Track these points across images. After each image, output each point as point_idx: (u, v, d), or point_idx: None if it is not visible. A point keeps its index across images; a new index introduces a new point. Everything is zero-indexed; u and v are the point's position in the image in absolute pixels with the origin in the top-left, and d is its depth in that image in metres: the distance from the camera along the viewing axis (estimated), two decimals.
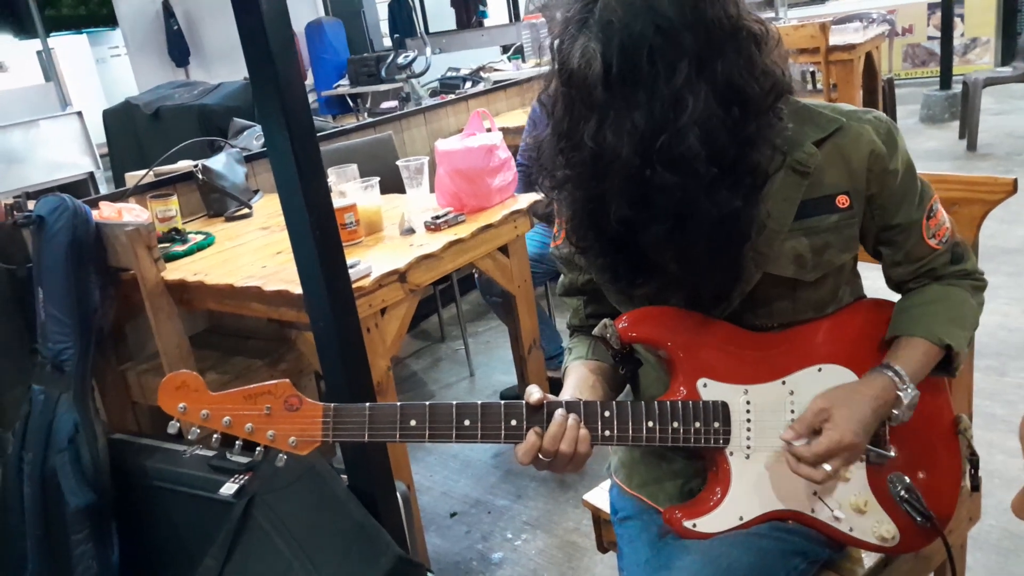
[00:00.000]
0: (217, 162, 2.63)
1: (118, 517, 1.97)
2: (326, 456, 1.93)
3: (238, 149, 2.87)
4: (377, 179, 2.21)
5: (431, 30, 8.04)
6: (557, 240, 1.18)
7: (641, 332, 1.06)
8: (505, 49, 6.39)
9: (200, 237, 2.31)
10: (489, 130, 2.32)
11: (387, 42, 7.93)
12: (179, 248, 2.24)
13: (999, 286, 3.11)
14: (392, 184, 2.63)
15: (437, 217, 2.10)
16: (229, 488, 1.76)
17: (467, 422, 0.99)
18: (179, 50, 7.87)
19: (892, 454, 1.08)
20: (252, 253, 2.15)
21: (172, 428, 0.95)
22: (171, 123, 4.06)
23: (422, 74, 5.35)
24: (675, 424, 1.03)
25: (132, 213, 2.18)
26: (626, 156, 0.88)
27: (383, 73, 5.62)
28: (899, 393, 1.03)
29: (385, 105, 4.78)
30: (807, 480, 1.00)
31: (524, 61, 5.10)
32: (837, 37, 4.60)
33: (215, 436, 0.96)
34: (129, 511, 1.97)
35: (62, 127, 4.79)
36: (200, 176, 2.58)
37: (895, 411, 1.03)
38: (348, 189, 2.11)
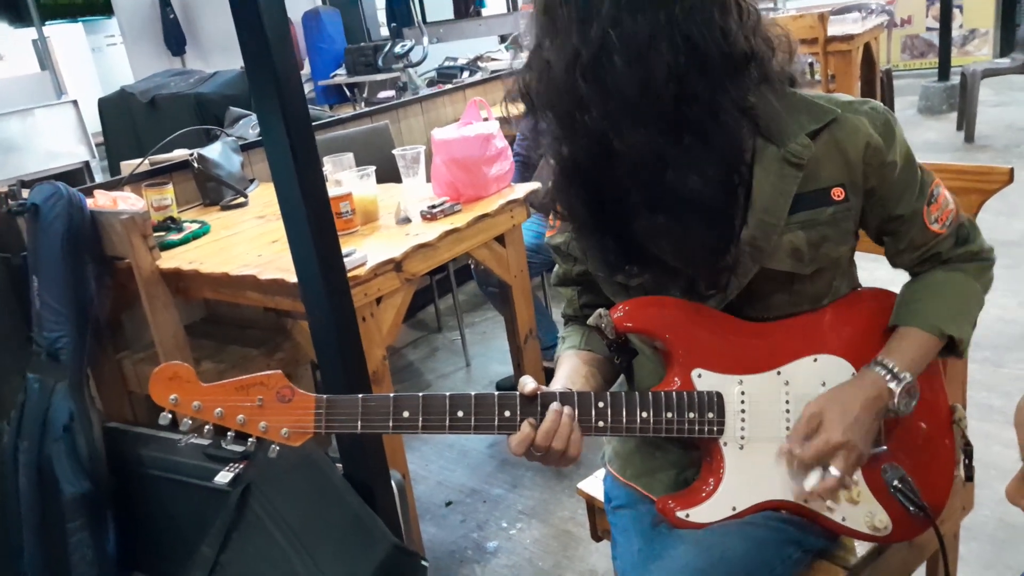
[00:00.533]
0: (213, 151, 2.63)
1: (114, 506, 1.97)
2: (322, 446, 1.93)
3: (234, 138, 2.86)
4: (373, 168, 2.20)
5: (429, 19, 8.00)
6: (552, 230, 1.18)
7: (636, 322, 1.06)
8: (503, 39, 6.37)
9: (196, 226, 2.31)
10: (486, 119, 2.31)
11: (384, 31, 7.90)
12: (175, 237, 2.23)
13: (997, 278, 3.07)
14: (389, 173, 2.62)
15: (433, 206, 2.09)
16: (224, 476, 1.76)
17: (460, 413, 0.98)
18: (175, 39, 7.82)
19: (884, 447, 1.08)
20: (248, 242, 2.15)
21: (164, 419, 0.95)
22: (167, 112, 4.04)
23: (419, 63, 5.33)
24: (669, 414, 1.03)
25: (127, 202, 2.17)
26: (559, 71, 0.92)
27: (380, 62, 5.59)
28: (889, 386, 1.03)
29: (382, 95, 4.76)
30: (828, 497, 1.02)
31: (521, 51, 5.08)
32: (835, 28, 4.60)
33: (207, 427, 0.95)
34: (125, 500, 1.97)
35: (57, 116, 4.76)
36: (196, 165, 2.57)
37: (892, 401, 1.04)
38: (344, 178, 2.10)
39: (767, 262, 1.03)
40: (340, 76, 6.15)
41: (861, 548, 1.16)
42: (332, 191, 1.95)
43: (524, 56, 1.00)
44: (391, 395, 0.98)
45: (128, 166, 2.60)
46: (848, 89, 4.39)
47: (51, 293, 1.99)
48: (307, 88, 6.11)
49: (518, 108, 1.06)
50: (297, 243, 1.39)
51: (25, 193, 2.11)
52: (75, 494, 1.89)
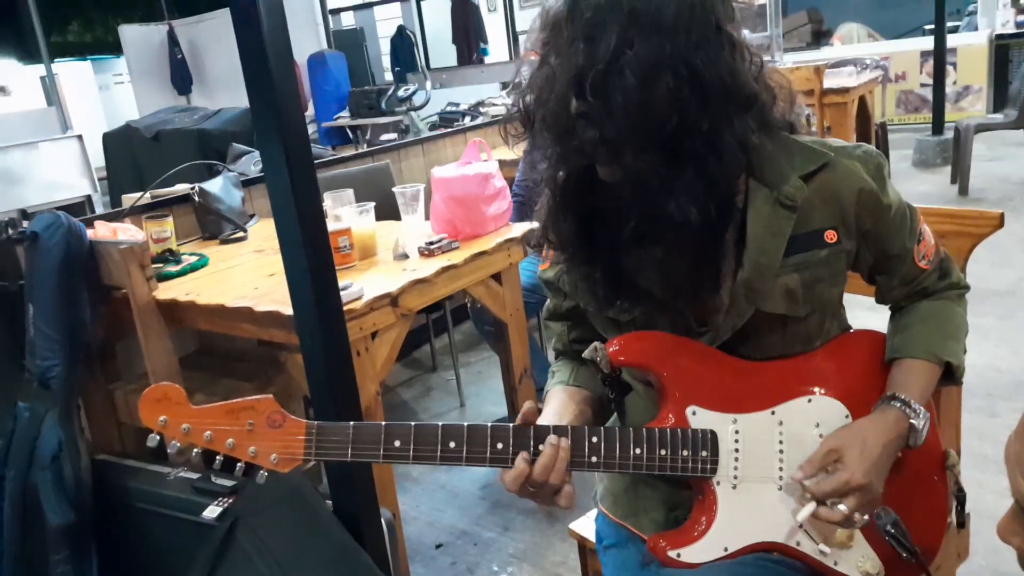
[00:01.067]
0: (214, 185, 2.65)
1: (99, 538, 1.94)
2: (312, 481, 1.91)
3: (236, 173, 2.89)
4: (372, 204, 2.22)
5: (432, 65, 8.15)
6: (544, 263, 1.18)
7: (631, 356, 1.06)
8: (504, 85, 6.47)
9: (194, 258, 2.32)
10: (486, 160, 2.34)
11: (388, 76, 8.04)
12: (172, 268, 2.24)
13: (989, 328, 3.12)
14: (388, 212, 2.64)
15: (431, 243, 2.11)
16: (213, 511, 1.73)
17: (452, 444, 0.98)
18: (182, 78, 7.95)
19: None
20: (245, 274, 2.15)
21: (152, 441, 0.94)
22: (170, 147, 4.09)
23: (422, 107, 5.41)
24: (663, 451, 1.02)
25: (127, 233, 2.18)
26: (561, 84, 0.92)
27: (383, 105, 5.67)
28: (912, 422, 1.03)
29: (384, 137, 4.82)
30: (826, 521, 1.00)
31: None
32: (831, 80, 4.69)
33: (195, 451, 0.95)
34: (110, 532, 1.94)
35: (62, 149, 4.82)
36: (196, 198, 2.59)
37: (911, 440, 1.04)
38: (343, 213, 2.12)
39: (763, 304, 1.03)
40: (343, 118, 6.23)
41: None
42: (331, 225, 1.96)
43: (525, 73, 1.00)
44: (382, 423, 0.97)
45: (130, 199, 2.62)
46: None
47: (46, 320, 1.99)
48: (311, 129, 6.19)
49: (516, 152, 1.07)
50: (293, 273, 1.40)
51: (25, 223, 2.13)
52: (60, 525, 1.87)
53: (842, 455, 1.00)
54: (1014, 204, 4.86)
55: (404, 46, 7.89)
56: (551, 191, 1.03)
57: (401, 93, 5.49)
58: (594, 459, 1.00)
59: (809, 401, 1.08)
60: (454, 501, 2.52)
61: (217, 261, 2.35)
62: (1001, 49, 7.37)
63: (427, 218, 2.36)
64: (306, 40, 7.24)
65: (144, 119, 4.86)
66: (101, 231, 2.17)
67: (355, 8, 9.35)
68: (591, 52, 0.90)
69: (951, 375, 1.11)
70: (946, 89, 6.36)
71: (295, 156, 1.31)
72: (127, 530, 1.93)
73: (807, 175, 1.03)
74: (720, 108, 0.91)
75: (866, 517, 1.02)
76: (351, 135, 6.22)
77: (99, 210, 4.43)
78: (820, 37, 9.47)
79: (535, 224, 1.10)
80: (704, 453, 1.03)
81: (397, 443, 0.97)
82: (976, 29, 7.80)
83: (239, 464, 0.97)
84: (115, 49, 9.97)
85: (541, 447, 0.99)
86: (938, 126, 6.08)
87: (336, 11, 8.53)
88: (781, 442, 1.06)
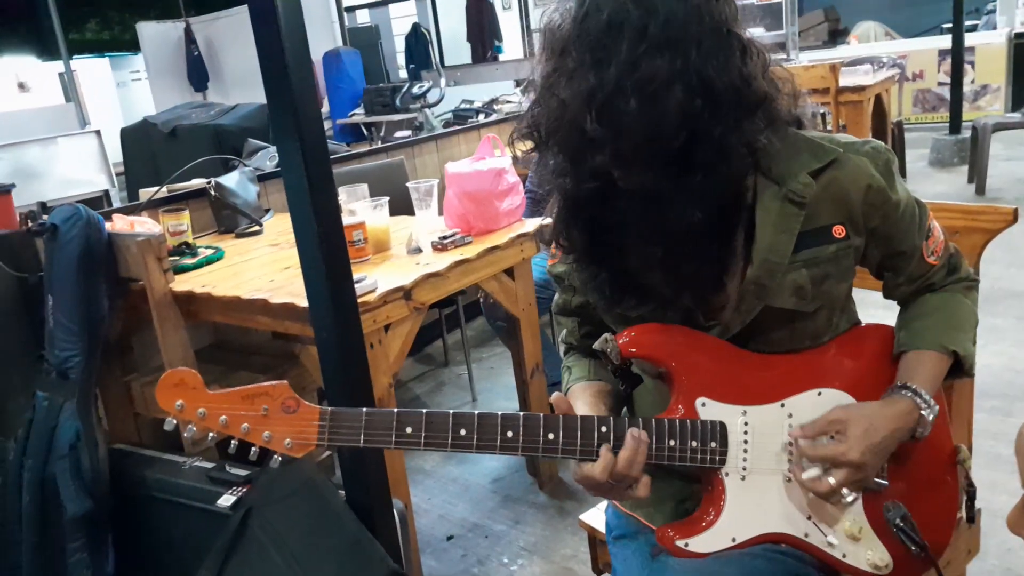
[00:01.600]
0: (230, 179, 2.67)
1: (115, 527, 1.97)
2: (326, 472, 1.93)
3: (252, 168, 2.91)
4: (386, 199, 2.24)
5: (447, 63, 8.17)
6: (554, 258, 1.19)
7: (642, 348, 1.06)
8: (518, 83, 6.48)
9: (210, 251, 2.34)
10: (499, 155, 2.35)
11: (403, 73, 8.07)
12: (189, 261, 2.26)
13: (1006, 329, 3.10)
14: (402, 207, 2.66)
15: (444, 237, 2.12)
16: (227, 500, 1.76)
17: (463, 431, 0.99)
18: (198, 75, 8.01)
19: (887, 483, 1.07)
20: (260, 267, 2.18)
21: (169, 425, 0.95)
22: (187, 142, 4.12)
23: (436, 104, 5.42)
24: (672, 442, 1.03)
25: (144, 226, 2.21)
26: (572, 110, 0.90)
27: (398, 103, 5.70)
28: (922, 413, 1.03)
29: (399, 134, 4.84)
30: (810, 491, 1.00)
31: None
32: (847, 79, 4.66)
33: (211, 435, 0.96)
34: (126, 521, 1.97)
35: (80, 145, 4.87)
36: (212, 193, 2.61)
37: (919, 430, 1.04)
38: (358, 208, 2.14)
39: (771, 300, 1.04)
40: (358, 115, 6.26)
41: None
42: (346, 220, 1.98)
43: (532, 94, 1.00)
44: (395, 410, 0.98)
45: (147, 193, 2.65)
46: None
47: (64, 312, 2.02)
48: (326, 126, 6.21)
49: (525, 145, 1.07)
50: (308, 266, 1.41)
51: (45, 216, 2.16)
52: (77, 514, 1.89)
53: (846, 428, 1.01)
54: None
55: (419, 44, 7.91)
56: (561, 199, 1.03)
57: (416, 90, 5.51)
58: (604, 449, 1.01)
59: (819, 394, 1.08)
60: (465, 494, 2.53)
61: (233, 254, 2.37)
62: (1020, 48, 7.29)
63: (440, 213, 2.38)
64: (321, 37, 7.28)
65: (161, 115, 4.90)
66: (119, 224, 2.20)
67: (370, 6, 9.40)
68: (601, 75, 0.88)
69: (960, 367, 1.11)
70: (964, 88, 6.31)
71: (312, 153, 1.32)
72: (143, 518, 1.95)
73: (816, 171, 1.03)
74: (731, 113, 0.91)
75: (852, 497, 1.03)
76: (366, 132, 6.25)
77: (116, 205, 4.48)
78: (837, 35, 9.41)
79: (549, 220, 1.10)
80: (713, 444, 1.04)
81: (409, 430, 0.98)
82: (995, 28, 7.74)
83: (253, 448, 0.98)
84: (132, 46, 10.06)
85: (551, 436, 0.99)
86: (955, 125, 6.03)
87: (351, 9, 8.57)
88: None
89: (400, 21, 8.98)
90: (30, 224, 2.18)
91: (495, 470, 2.64)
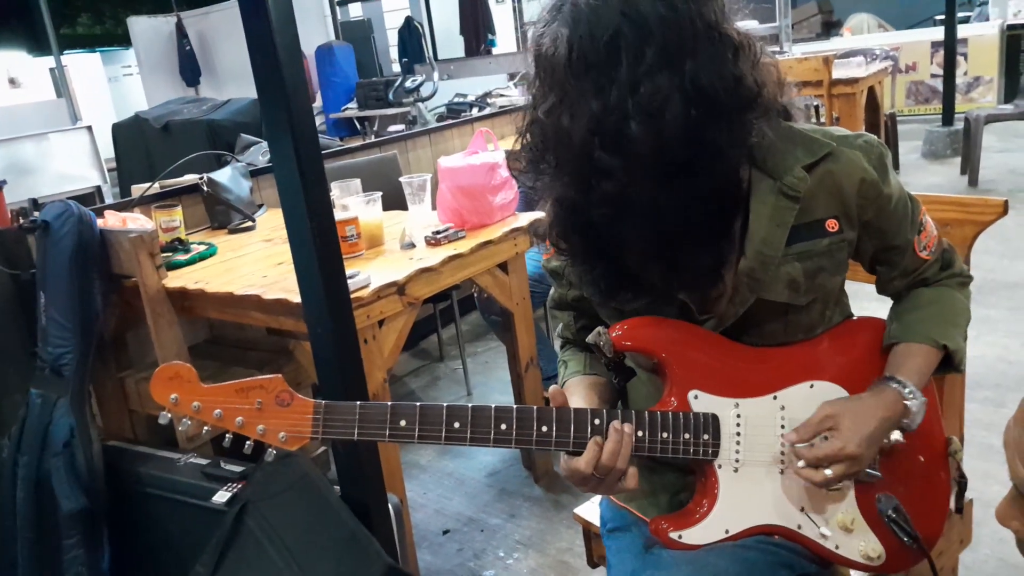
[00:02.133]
0: (223, 175, 2.66)
1: (110, 523, 1.97)
2: (321, 468, 1.93)
3: (244, 164, 2.90)
4: (379, 193, 2.24)
5: (440, 56, 8.14)
6: (548, 253, 1.19)
7: (635, 341, 1.07)
8: (512, 76, 6.47)
9: (203, 247, 2.33)
10: (492, 149, 2.34)
11: (396, 67, 8.04)
12: (182, 257, 2.26)
13: (999, 320, 3.11)
14: (395, 202, 2.65)
15: (438, 232, 2.12)
16: (222, 496, 1.76)
17: (456, 424, 0.99)
18: (190, 70, 7.97)
19: (880, 475, 1.08)
20: (253, 263, 2.17)
21: (163, 419, 0.96)
22: (180, 137, 4.11)
23: (429, 98, 5.41)
24: (665, 434, 1.03)
25: (137, 222, 2.20)
26: (578, 139, 0.90)
27: (391, 97, 5.68)
28: (907, 403, 1.04)
29: (392, 128, 4.83)
30: (807, 481, 1.01)
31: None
32: (840, 71, 4.67)
33: (205, 429, 0.96)
34: (121, 517, 1.97)
35: (72, 141, 4.84)
36: (205, 188, 2.61)
37: (905, 420, 1.04)
38: (351, 203, 2.14)
39: (764, 293, 1.04)
40: (351, 110, 6.24)
41: None
42: (338, 215, 1.98)
43: (530, 119, 0.98)
44: (388, 403, 0.99)
45: (139, 189, 2.64)
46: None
47: (57, 309, 2.01)
48: (318, 121, 6.20)
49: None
50: (301, 261, 1.41)
51: (36, 212, 2.15)
52: (72, 510, 1.89)
53: (838, 423, 1.01)
54: None
55: (412, 37, 7.87)
56: (557, 205, 1.02)
57: (409, 84, 5.50)
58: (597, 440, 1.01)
59: (811, 387, 1.09)
60: (461, 488, 2.54)
61: (226, 250, 2.36)
62: (1013, 39, 7.31)
63: (434, 208, 2.37)
64: (314, 31, 7.24)
65: (153, 110, 4.89)
66: (111, 220, 2.19)
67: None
68: (603, 102, 0.88)
69: (950, 362, 1.11)
70: (957, 80, 6.32)
71: (304, 148, 1.32)
72: (138, 515, 1.95)
73: (809, 165, 1.03)
74: (724, 115, 0.91)
75: (844, 486, 1.04)
76: (359, 126, 6.24)
77: (109, 200, 4.47)
78: (830, 28, 9.42)
79: (542, 214, 1.10)
80: (706, 436, 1.04)
81: (403, 423, 0.98)
82: (987, 19, 7.75)
83: (248, 442, 0.98)
84: (124, 41, 10.02)
85: (545, 428, 1.00)
86: (948, 117, 6.05)
87: (344, 2, 8.53)
88: (783, 427, 1.07)
89: (393, 15, 8.93)
90: (22, 221, 2.17)
91: (490, 464, 2.64)
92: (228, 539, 1.65)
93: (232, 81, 7.50)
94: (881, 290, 1.19)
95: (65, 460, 1.92)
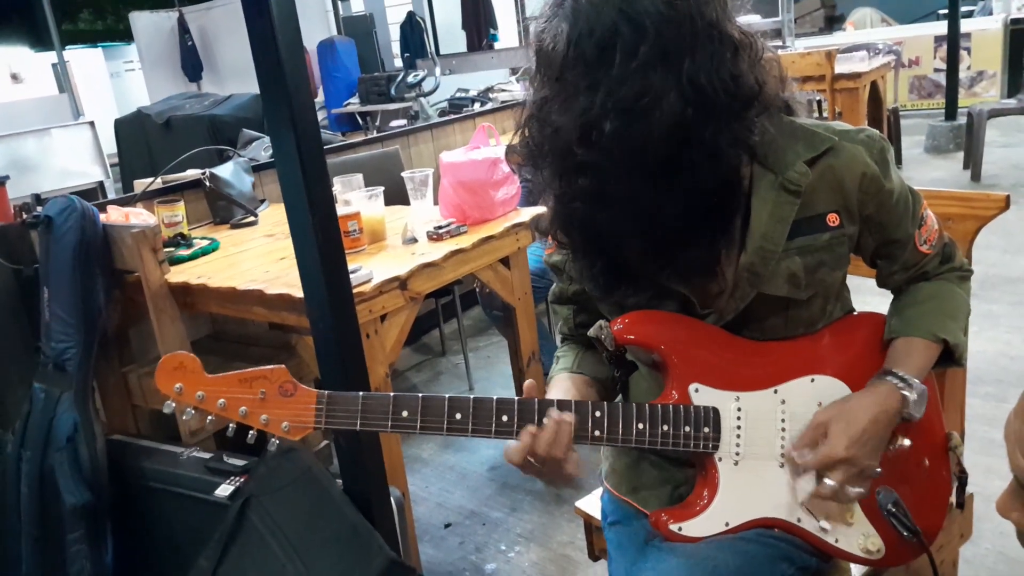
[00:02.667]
0: (225, 170, 2.67)
1: (113, 517, 1.97)
2: (323, 461, 1.94)
3: (246, 159, 2.91)
4: (381, 189, 2.24)
5: (442, 52, 8.13)
6: (551, 247, 1.20)
7: (636, 334, 1.07)
8: (514, 71, 6.46)
9: (205, 242, 2.34)
10: (494, 144, 2.34)
11: (398, 62, 8.03)
12: (184, 252, 2.26)
13: (1001, 315, 3.11)
14: (397, 197, 2.66)
15: (440, 227, 2.12)
16: (225, 490, 1.77)
17: (458, 415, 0.99)
18: (192, 65, 7.98)
19: (878, 469, 1.08)
20: (256, 258, 2.18)
21: (168, 408, 0.96)
22: (182, 133, 4.11)
23: (431, 93, 5.41)
24: (665, 427, 1.04)
25: (139, 217, 2.20)
26: (564, 134, 0.90)
27: (393, 92, 5.68)
28: (904, 394, 1.04)
29: (394, 123, 4.83)
30: (816, 496, 1.02)
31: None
32: (843, 66, 4.65)
33: (208, 419, 0.97)
34: (125, 511, 1.98)
35: (74, 136, 4.86)
36: (207, 183, 2.61)
37: (905, 411, 1.04)
38: (353, 198, 2.14)
39: (765, 287, 1.04)
40: (353, 105, 6.24)
41: (856, 571, 1.16)
42: (341, 210, 1.98)
43: (528, 110, 0.99)
44: (391, 394, 0.99)
45: (141, 184, 2.64)
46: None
47: (60, 304, 2.02)
48: (320, 116, 6.20)
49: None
50: (304, 256, 1.42)
51: (39, 208, 2.15)
52: (75, 505, 1.90)
53: (828, 429, 1.02)
54: None
55: (414, 32, 7.87)
56: (556, 202, 1.02)
57: (410, 79, 5.49)
58: (597, 433, 1.02)
59: (812, 381, 1.09)
60: (462, 482, 2.55)
61: (228, 245, 2.37)
62: (1016, 34, 7.29)
63: (436, 203, 2.38)
64: (316, 26, 7.25)
65: (155, 105, 4.89)
66: (114, 216, 2.20)
67: None
68: (591, 99, 0.88)
69: (951, 356, 1.12)
70: (960, 74, 6.31)
71: (306, 143, 1.32)
72: (141, 509, 1.96)
73: (811, 160, 1.03)
74: (722, 115, 0.90)
75: (860, 490, 1.03)
76: (361, 121, 6.24)
77: (111, 196, 4.47)
78: (833, 22, 9.39)
79: (544, 209, 1.11)
80: (706, 430, 1.05)
81: (405, 413, 0.99)
82: (991, 14, 7.72)
83: (251, 432, 0.99)
84: (126, 36, 10.02)
85: (547, 419, 1.00)
86: (951, 112, 6.03)
87: None
88: (783, 420, 1.07)
89: (395, 9, 8.92)
90: (25, 216, 2.18)
91: (492, 458, 2.65)
92: (231, 533, 1.66)
93: (234, 76, 7.51)
94: (881, 284, 1.19)
95: (69, 455, 1.93)
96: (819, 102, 5.13)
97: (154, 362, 2.31)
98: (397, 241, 2.17)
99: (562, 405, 1.01)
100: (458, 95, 5.03)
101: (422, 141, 3.69)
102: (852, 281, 1.18)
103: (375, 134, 4.06)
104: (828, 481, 1.00)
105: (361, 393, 0.99)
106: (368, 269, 1.84)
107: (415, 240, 2.14)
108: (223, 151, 3.01)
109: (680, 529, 1.04)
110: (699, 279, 1.05)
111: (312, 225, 1.34)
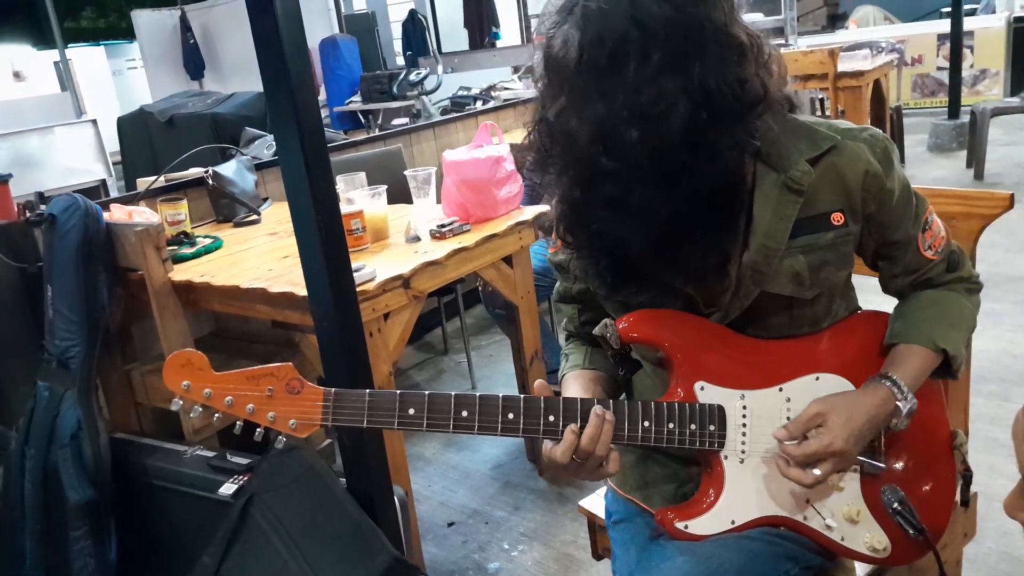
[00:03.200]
0: (228, 168, 2.67)
1: (117, 515, 1.98)
2: (326, 459, 1.94)
3: (249, 157, 2.91)
4: (384, 187, 2.24)
5: (444, 50, 8.13)
6: (555, 246, 1.20)
7: (641, 332, 1.07)
8: (516, 69, 6.45)
9: (208, 241, 2.34)
10: (497, 143, 2.34)
11: (400, 60, 8.04)
12: (187, 250, 2.26)
13: (1004, 313, 3.11)
14: (400, 195, 2.66)
15: (443, 226, 2.12)
16: (228, 488, 1.77)
17: (465, 413, 1.00)
18: (194, 63, 7.98)
19: (883, 466, 1.08)
20: (259, 256, 2.18)
21: (175, 405, 0.96)
22: (184, 131, 4.12)
23: (433, 91, 5.41)
24: (671, 425, 1.04)
25: (142, 216, 2.21)
26: (583, 142, 0.90)
27: (395, 90, 5.68)
28: (898, 403, 1.04)
29: (396, 122, 4.83)
30: (796, 483, 1.01)
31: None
32: (846, 64, 4.65)
33: (215, 416, 0.97)
34: (128, 509, 1.98)
35: (76, 134, 4.85)
36: (210, 181, 2.61)
37: (893, 420, 1.04)
38: (356, 196, 2.14)
39: (768, 286, 1.04)
40: (355, 103, 6.24)
41: (861, 570, 1.16)
42: (343, 208, 1.98)
43: (538, 122, 0.98)
44: (397, 392, 0.99)
45: (144, 183, 2.65)
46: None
47: (64, 302, 2.02)
48: (322, 114, 6.20)
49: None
50: (308, 254, 1.42)
51: (43, 206, 2.16)
52: (79, 502, 1.90)
53: (826, 420, 1.02)
54: None
55: (416, 30, 7.87)
56: (563, 203, 1.01)
57: (413, 77, 5.49)
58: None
59: (817, 379, 1.09)
60: (466, 481, 2.55)
61: (231, 244, 2.37)
62: (1019, 32, 7.27)
63: (439, 201, 2.38)
64: (318, 25, 7.24)
65: (158, 103, 4.89)
66: (117, 214, 2.20)
67: None
68: (607, 106, 0.87)
69: (948, 367, 1.10)
70: (963, 73, 6.30)
71: (310, 141, 1.32)
72: (145, 507, 1.96)
73: (814, 159, 1.03)
74: (729, 117, 0.90)
75: (855, 499, 1.05)
76: (363, 120, 6.24)
77: (114, 194, 4.48)
78: (835, 20, 9.39)
79: (547, 207, 1.10)
80: (712, 427, 1.05)
81: (411, 411, 0.99)
82: (994, 12, 7.71)
83: (258, 430, 0.99)
84: (128, 34, 10.02)
85: (552, 418, 1.01)
86: (954, 110, 6.02)
87: None
88: (788, 419, 1.07)
89: (397, 7, 8.92)
90: (28, 214, 2.18)
91: (495, 457, 2.65)
92: (234, 531, 1.66)
93: (235, 74, 7.51)
94: (884, 288, 1.18)
95: (72, 452, 1.93)
96: (821, 100, 5.13)
97: (157, 360, 2.32)
98: (400, 239, 2.17)
99: (569, 403, 1.01)
100: (460, 93, 5.03)
101: (424, 139, 3.69)
102: (857, 280, 1.18)
103: (377, 132, 4.06)
104: (816, 471, 1.00)
105: (368, 391, 0.99)
106: (371, 267, 1.84)
107: (418, 239, 2.14)
108: (226, 149, 3.01)
109: (686, 527, 1.04)
110: (709, 280, 1.04)
111: (316, 223, 1.34)
